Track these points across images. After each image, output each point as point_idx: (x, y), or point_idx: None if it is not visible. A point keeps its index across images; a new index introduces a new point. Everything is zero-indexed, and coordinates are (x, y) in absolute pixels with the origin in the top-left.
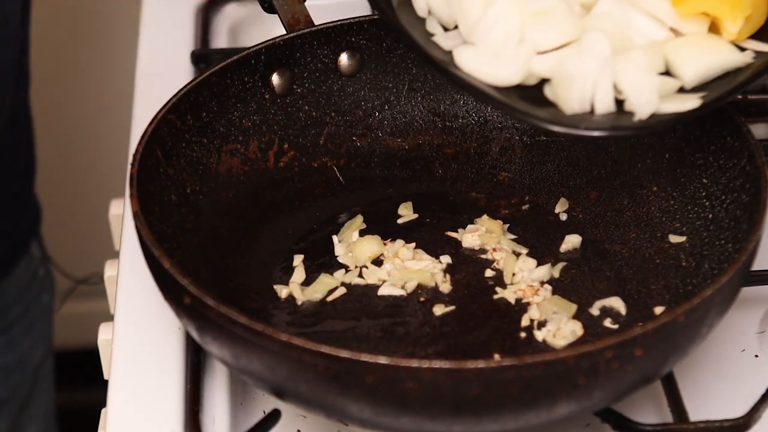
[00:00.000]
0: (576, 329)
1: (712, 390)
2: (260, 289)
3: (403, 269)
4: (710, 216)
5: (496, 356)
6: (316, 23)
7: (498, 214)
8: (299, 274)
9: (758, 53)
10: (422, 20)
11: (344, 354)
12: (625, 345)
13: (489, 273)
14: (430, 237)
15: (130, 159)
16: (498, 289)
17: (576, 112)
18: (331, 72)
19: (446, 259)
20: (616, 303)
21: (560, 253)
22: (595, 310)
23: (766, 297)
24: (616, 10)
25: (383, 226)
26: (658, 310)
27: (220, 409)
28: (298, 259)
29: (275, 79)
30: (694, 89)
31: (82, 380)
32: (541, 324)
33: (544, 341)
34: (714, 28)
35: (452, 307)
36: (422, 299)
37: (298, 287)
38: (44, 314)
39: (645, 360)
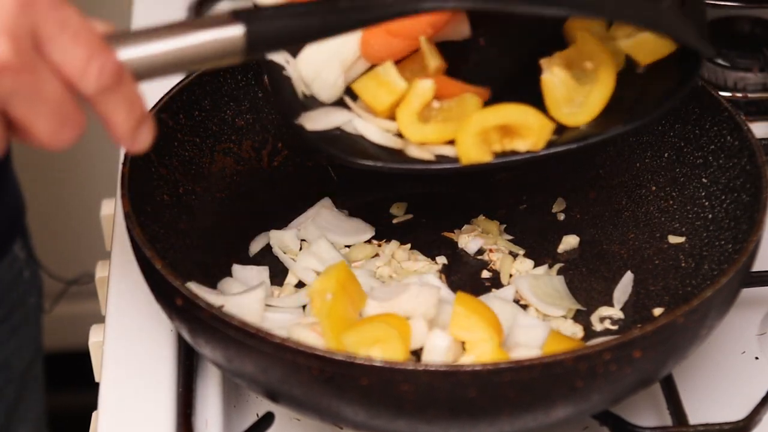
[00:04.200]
0: (575, 331)
1: (711, 392)
2: None
3: (399, 270)
4: (710, 216)
5: None
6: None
7: (495, 215)
8: (293, 276)
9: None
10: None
11: (339, 356)
12: (624, 347)
13: (486, 274)
14: (426, 237)
15: (122, 158)
16: (495, 290)
17: None
18: None
19: (442, 260)
20: (613, 310)
21: (558, 254)
22: (593, 312)
23: (766, 298)
24: None
25: (378, 227)
26: (657, 311)
27: (213, 412)
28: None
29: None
30: None
31: (73, 383)
32: None
33: None
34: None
35: None
36: None
37: (291, 289)
38: (31, 317)
39: (644, 362)
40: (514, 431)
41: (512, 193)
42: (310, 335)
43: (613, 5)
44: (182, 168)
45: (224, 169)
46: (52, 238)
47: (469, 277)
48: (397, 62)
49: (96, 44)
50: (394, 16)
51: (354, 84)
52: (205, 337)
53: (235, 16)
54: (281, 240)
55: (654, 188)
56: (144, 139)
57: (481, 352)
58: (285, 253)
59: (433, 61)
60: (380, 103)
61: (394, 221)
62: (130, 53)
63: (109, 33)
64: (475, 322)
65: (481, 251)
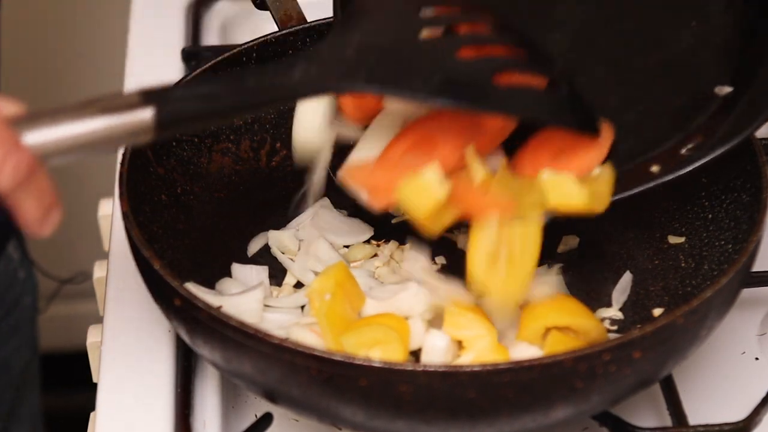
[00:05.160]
0: None
1: (711, 393)
2: None
3: (397, 270)
4: (710, 216)
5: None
6: (308, 20)
7: None
8: (292, 276)
9: None
10: None
11: (337, 357)
12: (623, 347)
13: None
14: (424, 237)
15: (120, 158)
16: None
17: None
18: None
19: (441, 260)
20: (613, 310)
21: (557, 254)
22: (593, 312)
23: (766, 299)
24: None
25: (377, 227)
26: (657, 311)
27: (211, 413)
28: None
29: None
30: None
31: (71, 383)
32: None
33: None
34: None
35: None
36: None
37: (290, 289)
38: (27, 317)
39: (643, 363)
40: None
41: None
42: (309, 336)
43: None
44: (180, 168)
45: (222, 169)
46: (50, 239)
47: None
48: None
49: (10, 142)
50: (303, 95)
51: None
52: (203, 338)
53: (145, 97)
54: (280, 240)
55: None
56: (51, 224)
57: (480, 348)
58: (283, 253)
59: (479, 172)
60: (421, 209)
61: (393, 221)
62: (40, 137)
63: (19, 116)
64: (471, 320)
65: None
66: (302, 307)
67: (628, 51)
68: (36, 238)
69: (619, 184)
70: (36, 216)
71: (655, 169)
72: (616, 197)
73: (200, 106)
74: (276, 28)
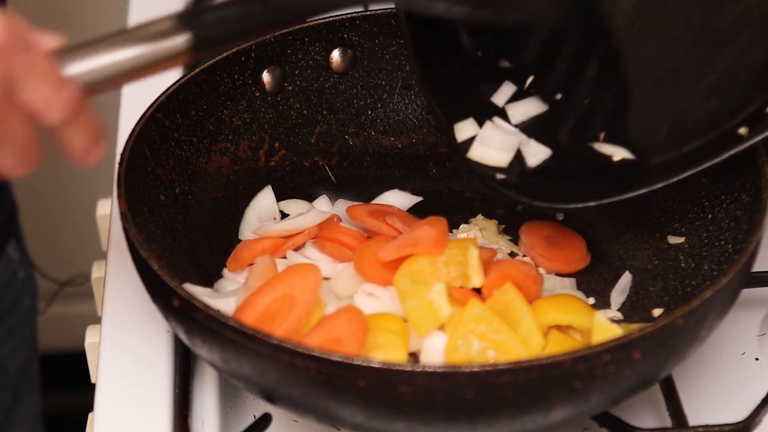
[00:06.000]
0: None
1: (711, 394)
2: None
3: None
4: (710, 216)
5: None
6: (307, 20)
7: (493, 214)
8: None
9: None
10: None
11: (336, 357)
12: (623, 348)
13: None
14: None
15: (118, 158)
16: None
17: None
18: (323, 69)
19: None
20: (611, 311)
21: None
22: None
23: (766, 299)
24: None
25: None
26: (657, 312)
27: (210, 413)
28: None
29: (266, 76)
30: None
31: (69, 384)
32: None
33: None
34: None
35: None
36: None
37: None
38: (26, 318)
39: (643, 363)
40: None
41: None
42: None
43: None
44: (179, 168)
45: (221, 169)
46: (48, 239)
47: None
48: None
49: (57, 79)
50: (331, 6)
51: (403, 301)
52: (201, 338)
53: (181, 22)
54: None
55: None
56: (98, 155)
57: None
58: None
59: (477, 278)
60: (423, 328)
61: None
62: (82, 68)
63: (60, 48)
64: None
65: None
66: None
67: (702, 7)
68: (83, 169)
69: (709, 151)
70: (84, 147)
71: (743, 131)
72: (710, 163)
73: (230, 28)
74: None
